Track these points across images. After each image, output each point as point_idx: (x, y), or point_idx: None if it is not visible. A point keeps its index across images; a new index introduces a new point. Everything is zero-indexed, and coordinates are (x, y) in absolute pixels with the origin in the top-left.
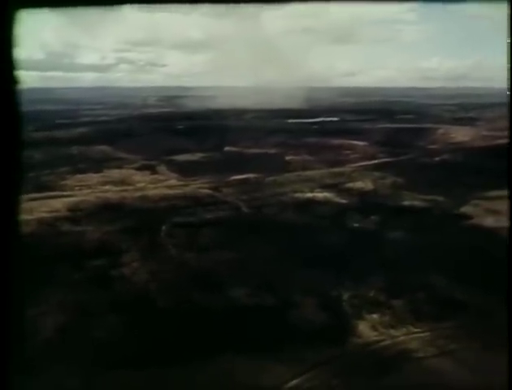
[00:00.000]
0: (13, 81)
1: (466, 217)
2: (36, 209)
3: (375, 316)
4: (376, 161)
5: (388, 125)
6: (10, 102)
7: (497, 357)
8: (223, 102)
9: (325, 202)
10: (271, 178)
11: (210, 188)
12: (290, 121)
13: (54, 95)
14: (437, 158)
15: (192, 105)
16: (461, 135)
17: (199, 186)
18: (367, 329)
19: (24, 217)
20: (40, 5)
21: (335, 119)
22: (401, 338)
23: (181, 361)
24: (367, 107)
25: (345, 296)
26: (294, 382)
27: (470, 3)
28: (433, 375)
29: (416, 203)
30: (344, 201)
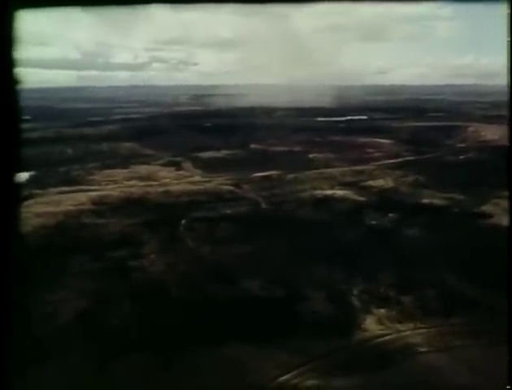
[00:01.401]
0: (13, 80)
1: (485, 216)
2: (63, 202)
3: (382, 311)
4: (399, 159)
5: (417, 123)
6: (9, 101)
7: (501, 355)
8: (252, 100)
9: (344, 200)
10: (292, 175)
11: (231, 185)
12: (318, 119)
13: (88, 93)
14: (462, 157)
15: (221, 103)
16: (491, 133)
17: (221, 182)
18: (374, 323)
19: (51, 209)
20: (40, 5)
21: (363, 117)
22: (407, 333)
23: (190, 348)
24: (397, 105)
25: (355, 290)
26: (295, 372)
27: (469, 3)
28: (434, 370)
29: (435, 201)
30: (362, 198)
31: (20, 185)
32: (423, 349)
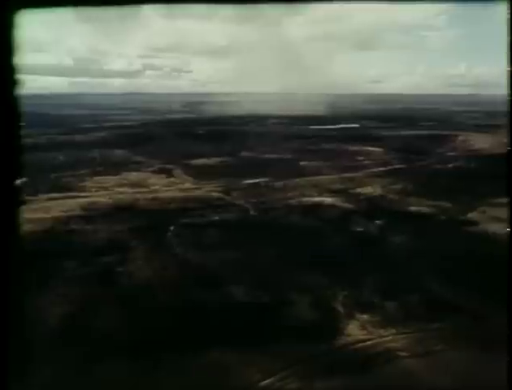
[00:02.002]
0: (12, 82)
1: (471, 223)
2: (53, 208)
3: (365, 316)
4: (389, 167)
5: (408, 132)
6: (9, 103)
7: (480, 360)
8: (245, 108)
9: (332, 207)
10: (281, 182)
11: (221, 192)
12: (310, 127)
13: (82, 100)
14: (450, 165)
15: (214, 110)
16: (481, 142)
17: (211, 189)
18: (356, 328)
19: (41, 215)
20: (40, 5)
21: (356, 125)
22: (389, 337)
23: (175, 353)
24: (390, 114)
25: (340, 296)
26: (277, 376)
27: (470, 3)
28: (413, 375)
29: (422, 209)
30: (350, 205)
31: (20, 190)
32: (403, 354)
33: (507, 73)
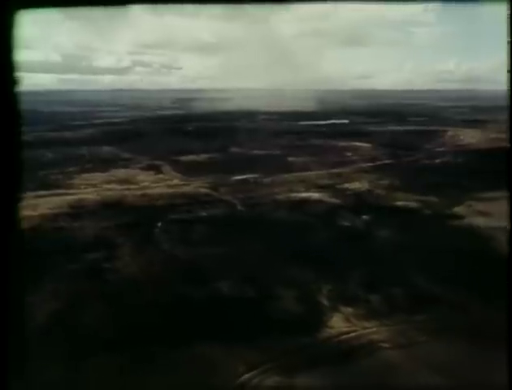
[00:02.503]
0: (12, 80)
1: (457, 217)
2: (41, 205)
3: (350, 309)
4: (376, 163)
5: (397, 128)
6: (9, 102)
7: (460, 351)
8: (235, 104)
9: (319, 202)
10: (269, 178)
11: (209, 188)
12: (300, 123)
13: (71, 97)
14: (438, 160)
15: (204, 107)
16: (469, 137)
17: (199, 185)
18: (340, 321)
19: (28, 213)
20: (40, 5)
21: (345, 121)
22: (372, 329)
23: (161, 348)
24: (380, 110)
25: (325, 290)
26: (260, 369)
27: (470, 3)
28: (395, 365)
29: (409, 204)
30: (337, 200)
31: (20, 185)
32: (386, 345)
33: (507, 73)
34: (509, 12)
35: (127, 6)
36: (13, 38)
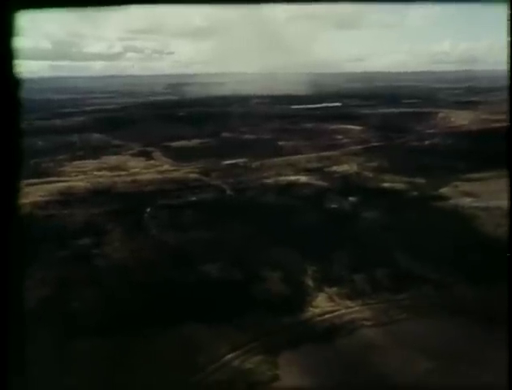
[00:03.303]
0: (13, 77)
1: (442, 198)
2: (32, 193)
3: (334, 289)
4: (366, 145)
5: (389, 110)
6: (10, 94)
7: (439, 328)
8: (228, 89)
9: (307, 185)
10: (258, 162)
11: (199, 173)
12: (292, 107)
13: (62, 84)
14: (427, 142)
15: (197, 92)
16: (461, 119)
17: (189, 171)
18: (324, 300)
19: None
20: (40, 5)
21: (337, 104)
22: (355, 308)
23: (149, 329)
24: (373, 92)
25: (310, 270)
26: (245, 348)
27: (470, 3)
28: (375, 341)
29: (396, 185)
30: (325, 183)
31: (19, 174)
32: (368, 323)
33: (507, 74)
34: (509, 12)
35: (122, 5)
36: (13, 38)
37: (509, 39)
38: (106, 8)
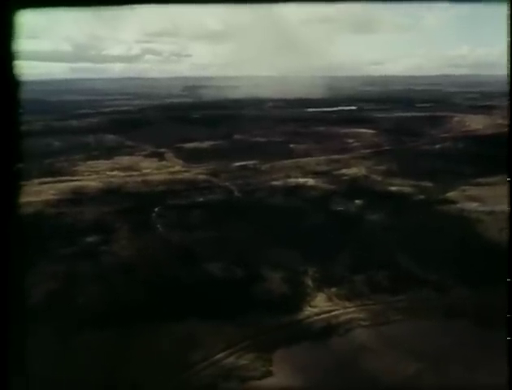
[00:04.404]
0: (13, 78)
1: (449, 202)
2: (45, 192)
3: (333, 289)
4: (376, 149)
5: (404, 114)
6: (10, 97)
7: (439, 328)
8: (244, 92)
9: (315, 187)
10: (268, 164)
11: (208, 174)
12: (306, 110)
13: (81, 86)
14: (437, 146)
15: (213, 94)
16: (475, 123)
17: (199, 172)
18: (323, 300)
19: (32, 199)
20: (40, 5)
21: (353, 107)
22: (353, 309)
23: (150, 325)
24: (389, 96)
25: (311, 271)
26: (241, 345)
27: (470, 3)
28: (370, 341)
29: (403, 188)
30: (333, 186)
31: (20, 174)
32: (364, 323)
33: (507, 73)
34: (509, 12)
35: (129, 5)
36: (13, 38)
37: (509, 39)
38: (106, 8)
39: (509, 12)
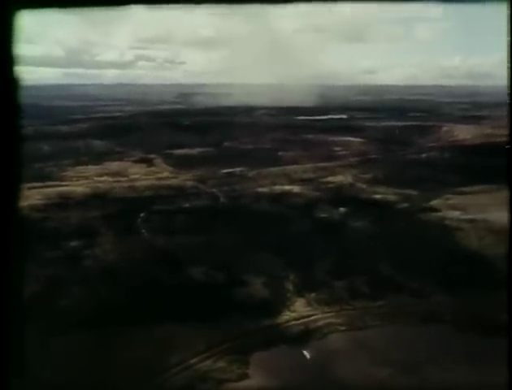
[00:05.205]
0: (13, 79)
1: (432, 210)
2: (32, 197)
3: (313, 294)
4: (363, 157)
5: (393, 123)
6: (9, 99)
7: (415, 333)
8: (236, 99)
9: (300, 194)
10: (255, 171)
11: (195, 180)
12: (297, 118)
13: (73, 91)
14: (424, 155)
15: (206, 102)
16: (464, 133)
17: (187, 178)
18: (302, 305)
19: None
20: (40, 5)
21: (343, 116)
22: (331, 314)
23: (130, 328)
24: (381, 105)
25: (292, 276)
26: (219, 348)
27: (470, 3)
28: (346, 345)
29: (387, 197)
30: (318, 193)
31: (19, 177)
32: (341, 328)
33: (507, 73)
34: (509, 12)
35: (125, 6)
36: (13, 39)
37: (509, 39)
38: (106, 8)
39: (509, 12)
